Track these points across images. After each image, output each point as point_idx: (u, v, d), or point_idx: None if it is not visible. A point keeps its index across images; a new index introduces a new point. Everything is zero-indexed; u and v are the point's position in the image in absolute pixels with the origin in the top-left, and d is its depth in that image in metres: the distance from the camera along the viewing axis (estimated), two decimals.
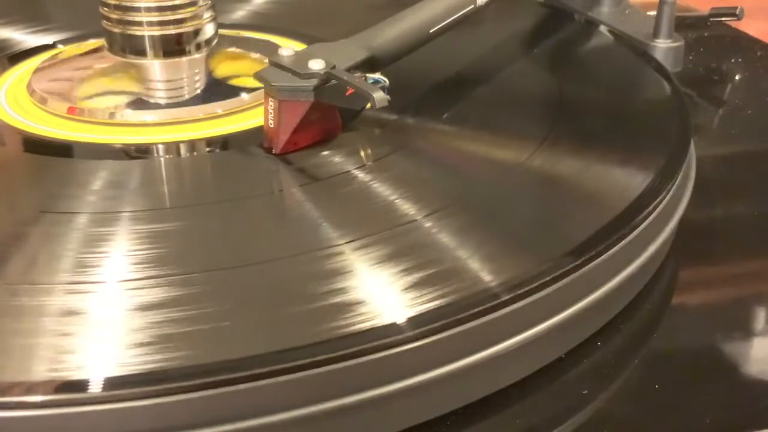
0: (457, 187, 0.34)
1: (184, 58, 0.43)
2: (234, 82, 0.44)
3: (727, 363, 0.31)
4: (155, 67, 0.43)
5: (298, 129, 0.36)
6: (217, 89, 0.43)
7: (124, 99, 0.41)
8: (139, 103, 0.41)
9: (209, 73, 0.44)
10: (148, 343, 0.25)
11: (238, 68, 0.45)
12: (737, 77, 0.55)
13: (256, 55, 0.46)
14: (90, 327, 0.26)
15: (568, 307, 0.29)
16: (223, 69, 0.45)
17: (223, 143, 0.39)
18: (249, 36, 0.50)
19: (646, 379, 0.30)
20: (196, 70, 0.44)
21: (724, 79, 0.54)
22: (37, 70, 0.45)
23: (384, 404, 0.26)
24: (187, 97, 0.42)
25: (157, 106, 0.41)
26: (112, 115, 0.40)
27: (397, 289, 0.28)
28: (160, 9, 0.42)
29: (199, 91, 0.43)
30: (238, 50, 0.47)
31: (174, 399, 0.24)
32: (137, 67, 0.43)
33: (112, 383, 0.24)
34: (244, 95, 0.41)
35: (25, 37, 0.51)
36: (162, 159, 0.38)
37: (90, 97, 0.42)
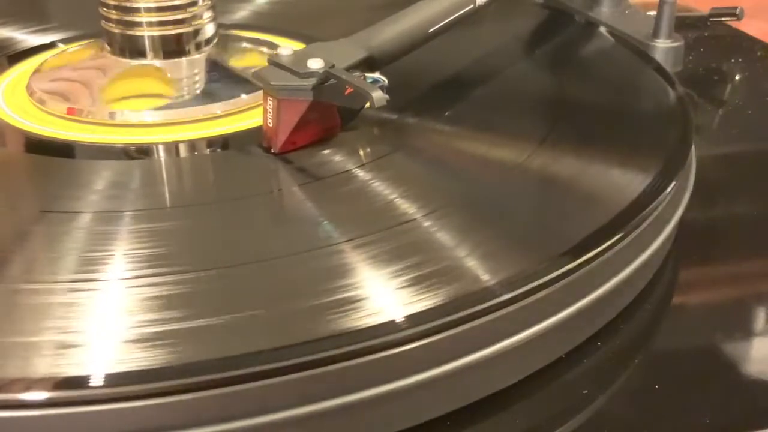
0: (457, 187, 0.34)
1: (184, 59, 0.43)
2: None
3: (727, 363, 0.31)
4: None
5: (297, 128, 0.36)
6: (217, 89, 0.43)
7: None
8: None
9: (210, 73, 0.44)
10: (149, 341, 0.25)
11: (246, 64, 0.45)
12: (737, 77, 0.55)
13: (263, 49, 0.46)
14: (91, 325, 0.26)
15: (568, 306, 0.29)
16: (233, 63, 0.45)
17: (223, 143, 0.39)
18: (249, 36, 0.50)
19: (646, 379, 0.30)
20: (196, 71, 0.44)
21: (724, 79, 0.54)
22: (37, 71, 0.45)
23: (384, 404, 0.26)
24: (187, 97, 0.42)
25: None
26: (111, 115, 0.40)
27: (396, 287, 0.28)
28: (160, 9, 0.42)
29: (198, 92, 0.43)
30: (245, 45, 0.47)
31: (174, 396, 0.24)
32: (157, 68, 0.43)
33: (113, 380, 0.24)
34: (243, 96, 0.41)
35: (24, 37, 0.51)
36: (162, 159, 0.38)
37: (117, 100, 0.42)
